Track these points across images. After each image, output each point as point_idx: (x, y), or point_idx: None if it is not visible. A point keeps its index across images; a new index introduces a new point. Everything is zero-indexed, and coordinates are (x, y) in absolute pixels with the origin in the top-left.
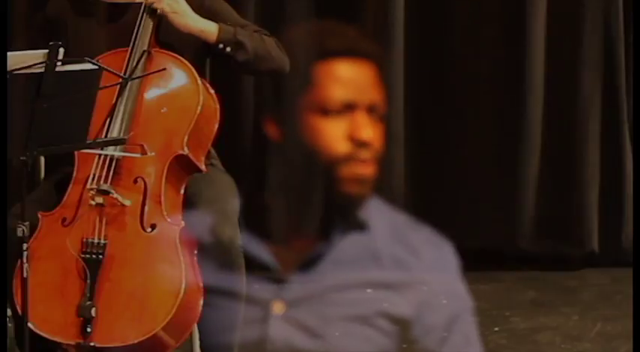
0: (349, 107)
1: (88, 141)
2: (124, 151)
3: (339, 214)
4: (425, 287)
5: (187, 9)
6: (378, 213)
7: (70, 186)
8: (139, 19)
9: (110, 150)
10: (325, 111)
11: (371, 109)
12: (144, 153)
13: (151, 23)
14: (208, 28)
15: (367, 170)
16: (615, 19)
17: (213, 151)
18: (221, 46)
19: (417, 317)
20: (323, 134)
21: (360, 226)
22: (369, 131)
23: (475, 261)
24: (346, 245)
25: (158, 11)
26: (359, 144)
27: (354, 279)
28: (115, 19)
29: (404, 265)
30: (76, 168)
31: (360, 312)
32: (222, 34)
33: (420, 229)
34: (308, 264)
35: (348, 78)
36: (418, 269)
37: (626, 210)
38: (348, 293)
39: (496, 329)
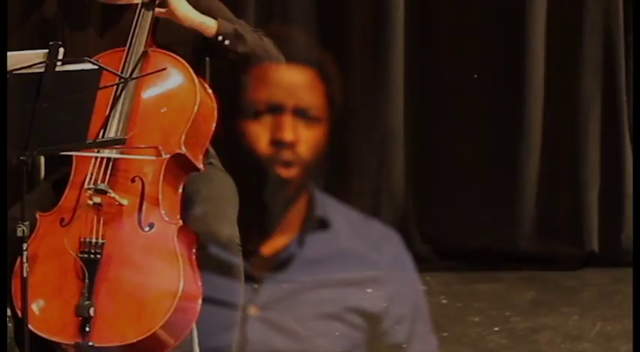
0: (275, 109)
1: (87, 141)
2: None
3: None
4: (391, 282)
5: (187, 4)
6: (336, 211)
7: (68, 186)
8: (136, 15)
9: (106, 152)
10: (252, 112)
11: (298, 112)
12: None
13: (149, 21)
14: (208, 21)
15: (289, 172)
16: (615, 19)
17: (212, 150)
18: (220, 38)
19: (386, 310)
20: (250, 135)
21: (323, 225)
22: (291, 133)
23: (475, 261)
24: (312, 245)
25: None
26: (279, 144)
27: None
28: (112, 21)
29: (367, 261)
30: (73, 169)
31: (332, 310)
32: (221, 27)
33: (373, 224)
34: (279, 265)
35: (275, 80)
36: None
37: (626, 210)
38: (320, 292)
39: (496, 329)
